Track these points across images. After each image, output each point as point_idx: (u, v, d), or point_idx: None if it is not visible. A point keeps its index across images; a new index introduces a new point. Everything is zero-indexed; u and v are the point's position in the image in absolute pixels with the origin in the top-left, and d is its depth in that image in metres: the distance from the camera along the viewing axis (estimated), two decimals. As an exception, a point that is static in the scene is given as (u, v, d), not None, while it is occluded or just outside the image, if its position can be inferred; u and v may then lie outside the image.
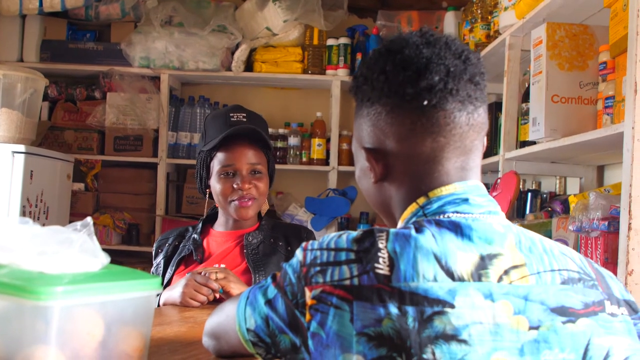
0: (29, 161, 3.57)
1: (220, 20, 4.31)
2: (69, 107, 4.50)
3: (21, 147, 3.54)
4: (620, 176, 1.99)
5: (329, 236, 1.04)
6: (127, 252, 4.32)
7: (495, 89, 3.45)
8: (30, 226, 1.08)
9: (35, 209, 3.67)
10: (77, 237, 1.06)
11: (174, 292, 1.95)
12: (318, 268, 1.00)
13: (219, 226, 2.27)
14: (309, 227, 4.19)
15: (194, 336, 1.50)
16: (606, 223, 2.09)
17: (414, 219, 1.06)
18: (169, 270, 2.18)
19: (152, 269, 2.25)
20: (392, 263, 0.96)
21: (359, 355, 0.93)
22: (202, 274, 1.95)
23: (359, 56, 4.42)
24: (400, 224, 1.10)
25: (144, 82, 4.38)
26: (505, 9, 3.06)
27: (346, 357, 0.94)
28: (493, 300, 0.95)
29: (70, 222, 1.13)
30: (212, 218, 2.32)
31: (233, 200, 2.14)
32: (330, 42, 4.44)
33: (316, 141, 4.43)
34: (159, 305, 2.00)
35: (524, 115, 2.91)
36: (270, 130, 4.43)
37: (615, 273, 1.93)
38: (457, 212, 1.04)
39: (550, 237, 2.51)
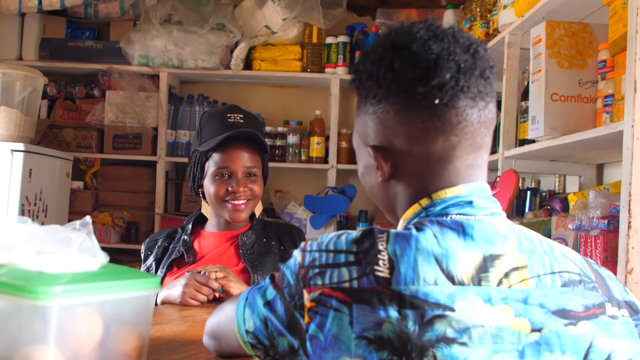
0: (28, 159, 3.57)
1: (219, 18, 4.31)
2: (68, 105, 4.50)
3: (20, 146, 3.54)
4: (620, 174, 1.99)
5: (328, 236, 1.02)
6: (126, 250, 4.31)
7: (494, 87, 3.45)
8: (29, 225, 1.08)
9: (34, 207, 3.67)
10: (76, 236, 1.05)
11: (174, 291, 1.94)
12: (317, 270, 0.98)
13: (210, 227, 2.26)
14: (309, 225, 4.20)
15: (193, 335, 1.49)
16: (606, 221, 2.09)
17: (415, 220, 1.05)
18: (159, 272, 2.17)
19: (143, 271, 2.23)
20: (392, 265, 0.94)
21: (358, 358, 0.93)
22: (202, 273, 1.95)
23: (358, 54, 4.41)
24: (401, 224, 1.09)
25: (143, 80, 4.38)
26: (505, 7, 3.06)
27: None
28: (492, 305, 0.94)
29: (69, 220, 1.13)
30: (200, 219, 2.31)
31: (227, 203, 2.13)
32: (329, 40, 4.44)
33: (315, 139, 4.42)
34: (156, 304, 2.00)
35: (523, 113, 2.91)
36: (269, 128, 4.44)
37: (615, 272, 1.93)
38: (461, 214, 1.02)
39: (549, 235, 2.51)
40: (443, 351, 0.91)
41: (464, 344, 0.92)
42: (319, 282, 0.97)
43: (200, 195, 2.22)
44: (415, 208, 1.06)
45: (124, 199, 4.47)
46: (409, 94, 1.03)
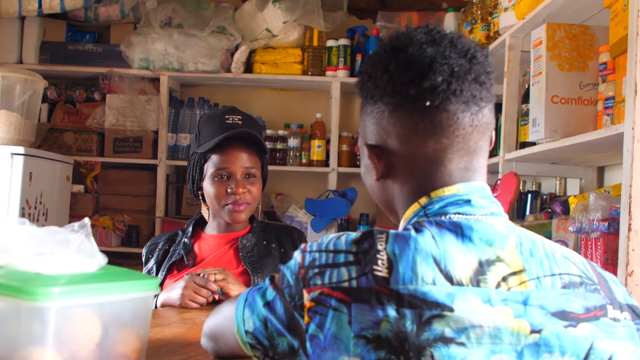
0: (28, 163, 3.57)
1: (219, 21, 4.31)
2: (68, 108, 4.50)
3: (20, 149, 3.53)
4: (620, 177, 1.99)
5: (328, 237, 1.03)
6: (127, 254, 4.30)
7: (495, 89, 3.44)
8: (27, 227, 1.08)
9: (34, 210, 3.66)
10: (74, 237, 1.05)
11: (173, 294, 1.94)
12: (316, 270, 0.99)
13: (211, 229, 2.25)
14: (309, 228, 4.19)
15: (193, 337, 1.49)
16: (606, 224, 2.08)
17: (415, 219, 1.05)
18: (159, 275, 2.17)
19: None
20: (391, 265, 0.95)
21: (357, 357, 0.92)
22: (201, 275, 1.94)
23: (358, 57, 4.42)
24: (402, 223, 1.09)
25: (143, 83, 4.38)
26: (505, 9, 3.06)
27: None
28: (492, 305, 0.93)
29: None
30: (201, 221, 2.30)
31: (227, 204, 2.12)
32: (330, 43, 4.44)
33: (316, 142, 4.42)
34: (156, 307, 1.99)
35: (523, 116, 2.91)
36: (269, 131, 4.44)
37: (615, 274, 1.92)
38: (459, 214, 1.03)
39: (550, 238, 2.51)
40: (441, 351, 0.91)
41: (462, 344, 0.91)
42: (319, 281, 0.98)
43: (200, 197, 2.21)
44: (414, 207, 1.07)
45: (125, 202, 4.47)
46: (402, 95, 1.05)
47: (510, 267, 0.97)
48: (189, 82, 4.68)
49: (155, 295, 1.92)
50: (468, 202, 1.04)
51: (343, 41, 4.42)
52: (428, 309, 0.92)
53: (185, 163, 4.31)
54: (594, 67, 2.46)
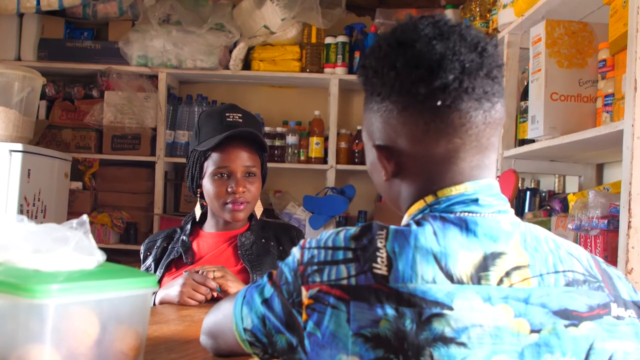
0: (27, 160, 3.56)
1: (218, 18, 4.30)
2: (66, 105, 4.49)
3: (18, 146, 3.53)
4: (620, 174, 1.99)
5: (327, 233, 1.02)
6: (125, 250, 4.30)
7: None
8: (25, 224, 1.07)
9: (32, 207, 3.66)
10: (72, 235, 1.05)
11: (172, 291, 1.94)
12: (315, 267, 0.98)
13: (209, 227, 2.25)
14: (308, 225, 4.19)
15: (191, 335, 1.49)
16: (606, 221, 2.08)
17: (419, 216, 1.03)
18: (158, 272, 2.16)
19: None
20: (391, 263, 0.94)
21: (355, 356, 0.92)
22: (200, 272, 1.94)
23: (357, 54, 4.41)
24: (405, 218, 1.08)
25: (141, 80, 4.37)
26: (504, 6, 3.06)
27: (342, 358, 0.93)
28: (492, 304, 0.92)
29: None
30: (200, 218, 2.29)
31: (227, 203, 2.12)
32: (329, 40, 4.43)
33: (314, 140, 4.42)
34: (154, 304, 1.99)
35: (522, 113, 2.91)
36: (268, 128, 4.43)
37: (614, 271, 1.92)
38: (465, 212, 1.01)
39: (549, 235, 2.51)
40: (440, 351, 0.90)
41: (462, 344, 0.90)
42: (317, 279, 0.97)
43: (198, 195, 2.21)
44: (419, 204, 1.05)
45: (123, 199, 4.47)
46: (411, 94, 1.01)
47: (514, 262, 0.96)
48: (187, 79, 4.68)
49: (154, 293, 1.92)
50: (475, 201, 1.02)
51: (341, 38, 4.41)
52: (428, 308, 0.91)
53: (183, 160, 4.31)
54: (593, 64, 2.46)
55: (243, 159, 2.12)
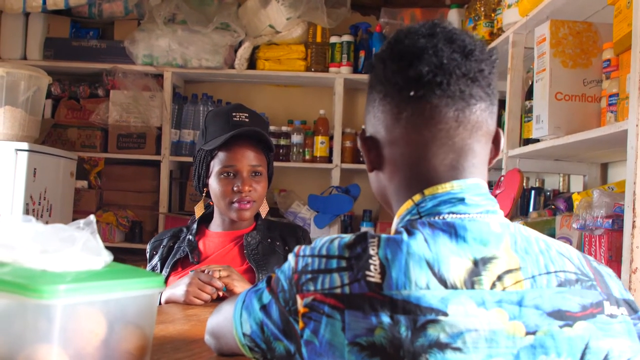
0: (32, 159, 3.58)
1: (223, 17, 4.31)
2: (72, 104, 4.50)
3: (24, 145, 3.54)
4: (624, 174, 1.99)
5: (322, 240, 1.02)
6: (131, 249, 4.32)
7: (498, 86, 3.44)
8: (33, 224, 1.08)
9: (38, 206, 3.67)
10: (80, 235, 1.06)
11: (177, 291, 1.94)
12: (309, 275, 0.98)
13: (215, 226, 2.26)
14: (312, 224, 4.19)
15: (197, 334, 1.49)
16: (610, 221, 2.08)
17: (408, 217, 1.04)
18: (164, 271, 2.17)
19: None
20: (384, 270, 0.93)
21: None
22: (206, 272, 1.95)
23: (362, 54, 4.42)
24: (395, 220, 1.09)
25: (147, 79, 4.38)
26: (509, 6, 3.06)
27: None
28: (486, 308, 0.92)
29: (74, 219, 1.13)
30: (206, 218, 2.30)
31: (233, 202, 2.13)
32: (334, 39, 4.43)
33: (319, 139, 4.42)
34: (160, 304, 2.00)
35: (527, 112, 2.90)
36: (273, 127, 4.44)
37: (619, 271, 1.92)
38: (453, 213, 1.01)
39: (553, 235, 2.51)
40: (436, 357, 0.90)
41: (458, 349, 0.90)
42: (312, 287, 0.96)
43: (204, 194, 2.22)
44: (407, 204, 1.06)
45: (128, 198, 4.48)
46: (391, 83, 1.06)
47: (506, 265, 0.96)
48: (192, 78, 4.68)
49: (160, 292, 1.92)
50: (462, 200, 1.02)
51: (346, 37, 4.41)
52: (422, 314, 0.91)
53: (188, 159, 4.33)
54: (597, 63, 2.46)
55: (249, 158, 2.13)
